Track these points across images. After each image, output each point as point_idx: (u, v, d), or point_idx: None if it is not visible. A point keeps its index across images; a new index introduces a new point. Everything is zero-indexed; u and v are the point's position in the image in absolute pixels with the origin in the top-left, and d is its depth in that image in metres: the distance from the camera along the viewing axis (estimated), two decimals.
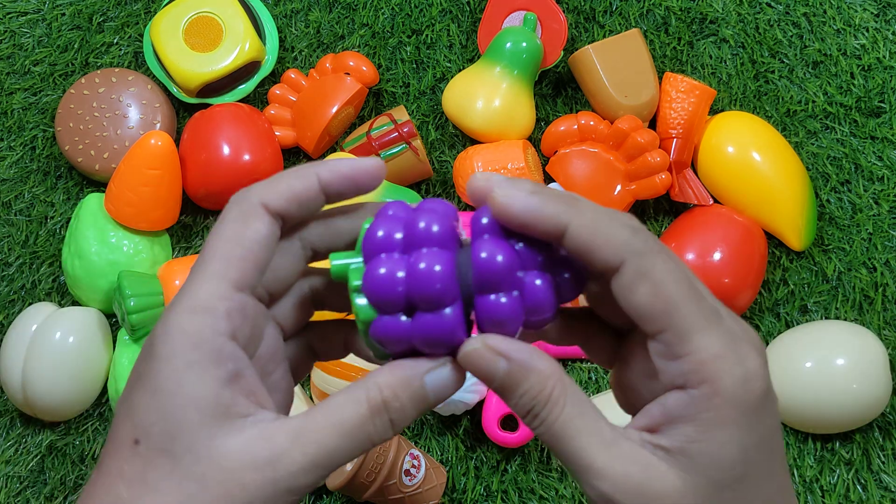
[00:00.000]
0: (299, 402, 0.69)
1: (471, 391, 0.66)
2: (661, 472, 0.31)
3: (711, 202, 0.70)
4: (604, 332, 0.36)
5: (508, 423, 0.69)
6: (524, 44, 0.70)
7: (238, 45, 0.73)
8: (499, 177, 0.31)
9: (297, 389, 0.70)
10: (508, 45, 0.70)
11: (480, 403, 0.68)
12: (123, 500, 0.29)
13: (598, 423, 0.31)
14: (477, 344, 0.31)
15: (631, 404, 0.35)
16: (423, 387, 0.31)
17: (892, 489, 0.68)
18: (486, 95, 0.70)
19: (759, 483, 0.32)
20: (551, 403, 0.31)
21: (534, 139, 0.74)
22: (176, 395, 0.29)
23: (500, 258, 0.30)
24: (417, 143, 0.71)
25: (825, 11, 0.75)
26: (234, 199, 0.33)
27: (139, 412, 0.30)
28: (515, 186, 0.31)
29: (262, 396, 0.31)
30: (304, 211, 0.33)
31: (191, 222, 0.75)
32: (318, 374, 0.67)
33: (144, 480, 0.29)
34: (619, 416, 0.68)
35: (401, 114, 0.72)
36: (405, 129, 0.71)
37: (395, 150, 0.71)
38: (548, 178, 0.73)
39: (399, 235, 0.31)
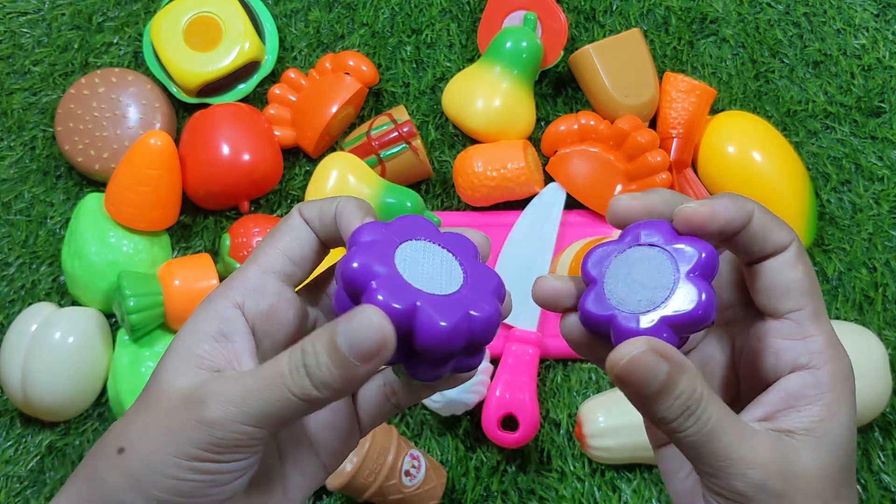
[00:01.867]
0: None
1: (470, 391, 0.66)
2: (796, 454, 0.33)
3: None
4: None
5: (508, 423, 0.69)
6: (524, 43, 0.70)
7: (238, 44, 0.73)
8: (667, 195, 0.34)
9: None
10: (508, 44, 0.70)
11: (480, 405, 0.68)
12: (112, 429, 0.34)
13: (736, 418, 0.33)
14: (642, 346, 0.31)
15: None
16: (335, 333, 0.30)
17: (892, 489, 0.68)
18: (486, 95, 0.70)
19: (854, 464, 0.34)
20: (705, 401, 0.32)
21: (534, 139, 0.74)
22: (172, 343, 0.34)
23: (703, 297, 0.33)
24: (417, 142, 0.71)
25: (825, 11, 0.75)
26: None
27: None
28: (700, 201, 0.34)
29: (245, 362, 0.34)
30: (325, 227, 0.36)
31: (190, 222, 0.75)
32: None
33: (127, 413, 0.34)
34: (619, 416, 0.68)
35: (401, 114, 0.72)
36: (405, 129, 0.71)
37: (394, 150, 0.71)
38: (548, 178, 0.73)
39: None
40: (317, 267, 0.37)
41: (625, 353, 0.31)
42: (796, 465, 0.33)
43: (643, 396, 0.32)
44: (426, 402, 0.67)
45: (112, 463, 0.33)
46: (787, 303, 0.34)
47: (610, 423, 0.66)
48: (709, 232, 0.33)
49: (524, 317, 0.69)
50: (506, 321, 0.69)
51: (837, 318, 0.70)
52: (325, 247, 0.37)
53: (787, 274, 0.34)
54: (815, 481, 0.33)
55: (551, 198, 0.70)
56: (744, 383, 0.36)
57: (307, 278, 0.37)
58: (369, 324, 0.30)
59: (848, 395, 0.34)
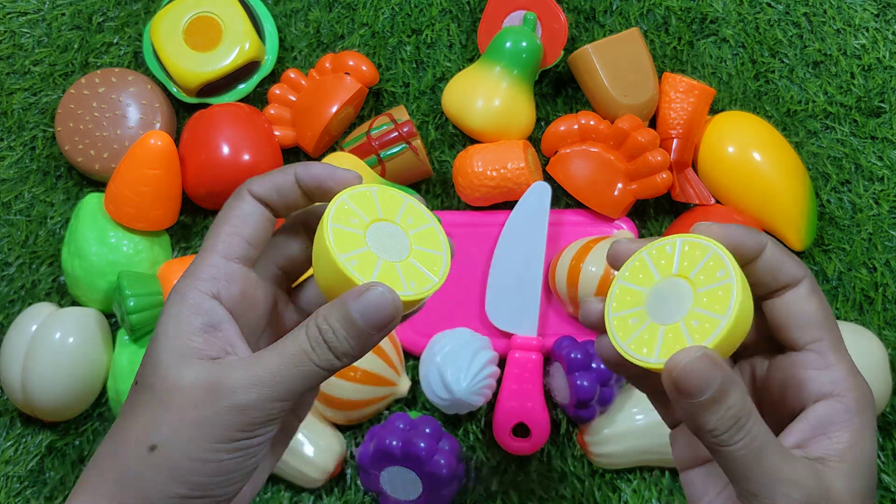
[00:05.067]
0: None
1: (478, 394, 0.66)
2: (831, 478, 0.34)
3: (713, 202, 0.70)
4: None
5: (518, 429, 0.68)
6: (524, 43, 0.70)
7: (238, 44, 0.73)
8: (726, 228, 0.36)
9: None
10: (508, 44, 0.70)
11: (483, 407, 0.68)
12: (119, 428, 0.36)
13: (778, 441, 0.34)
14: (698, 352, 0.33)
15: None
16: (349, 310, 0.35)
17: (893, 489, 0.68)
18: (486, 95, 0.70)
19: (876, 484, 0.36)
20: (754, 417, 0.33)
21: (534, 139, 0.74)
22: (159, 341, 0.35)
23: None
24: (417, 142, 0.71)
25: (825, 11, 0.75)
26: (233, 192, 0.39)
27: (142, 360, 0.36)
28: (716, 223, 0.36)
29: (239, 347, 0.36)
30: (285, 200, 0.39)
31: (190, 222, 0.75)
32: None
33: (133, 411, 0.35)
34: (621, 421, 0.68)
35: (401, 114, 0.72)
36: (405, 129, 0.71)
37: (394, 150, 0.71)
38: (548, 178, 0.73)
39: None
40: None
41: (681, 358, 0.33)
42: (832, 491, 0.34)
43: (696, 404, 0.33)
44: (431, 399, 0.67)
45: (146, 461, 0.34)
46: (808, 334, 0.36)
47: (613, 428, 0.66)
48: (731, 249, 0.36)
49: (524, 323, 0.69)
50: (506, 329, 0.69)
51: (837, 318, 0.70)
52: (275, 220, 0.39)
53: (804, 306, 0.36)
54: None
55: (537, 197, 0.70)
56: (768, 416, 0.37)
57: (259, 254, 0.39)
58: (382, 298, 0.34)
59: (871, 420, 0.35)
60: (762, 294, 0.37)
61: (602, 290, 0.64)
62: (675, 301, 0.36)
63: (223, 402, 0.34)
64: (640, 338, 0.36)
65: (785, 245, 0.71)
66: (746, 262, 0.36)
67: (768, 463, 0.33)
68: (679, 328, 0.35)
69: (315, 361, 0.35)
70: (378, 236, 0.39)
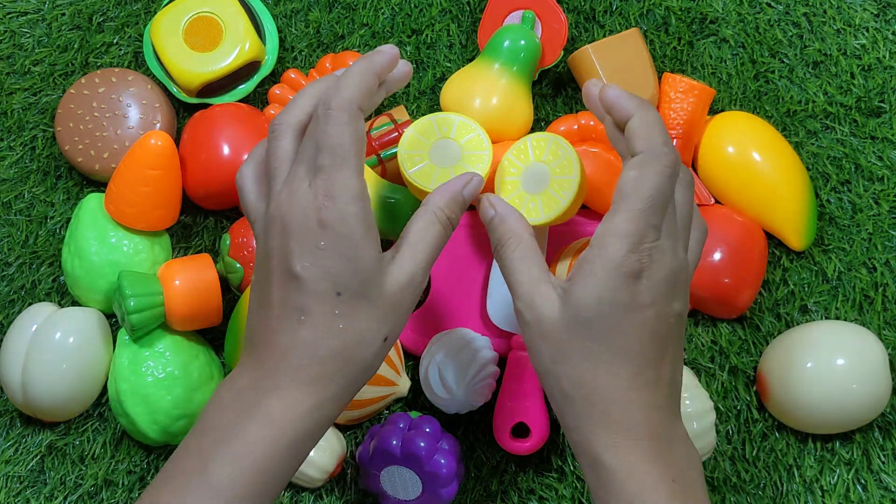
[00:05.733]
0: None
1: (478, 393, 0.66)
2: (551, 304, 0.47)
3: (712, 201, 0.70)
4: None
5: (517, 430, 0.68)
6: (522, 42, 0.70)
7: (238, 45, 0.73)
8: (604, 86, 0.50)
9: None
10: (506, 42, 0.70)
11: (483, 407, 0.68)
12: (341, 328, 0.46)
13: (531, 268, 0.49)
14: (483, 197, 0.55)
15: None
16: (463, 197, 0.52)
17: (892, 489, 0.68)
18: (484, 93, 0.70)
19: (610, 326, 0.45)
20: (510, 244, 0.50)
21: None
22: (360, 258, 0.46)
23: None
24: None
25: (825, 11, 0.75)
26: (337, 103, 0.46)
27: (335, 274, 0.46)
28: (610, 85, 0.49)
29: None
30: (372, 103, 0.50)
31: (191, 222, 0.75)
32: None
33: (354, 314, 0.46)
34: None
35: (401, 114, 0.72)
36: (405, 129, 0.71)
37: (395, 150, 0.71)
38: None
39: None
40: None
41: (485, 202, 0.55)
42: (545, 307, 0.47)
43: (485, 224, 0.55)
44: (431, 399, 0.67)
45: (382, 348, 0.48)
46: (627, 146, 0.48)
47: None
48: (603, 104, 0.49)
49: None
50: (506, 328, 0.69)
51: (837, 318, 0.70)
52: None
53: (623, 177, 0.46)
54: (551, 324, 0.46)
55: None
56: None
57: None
58: (481, 183, 0.54)
59: (600, 272, 0.45)
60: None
61: None
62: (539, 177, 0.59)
63: (417, 290, 0.49)
64: (527, 207, 0.58)
65: (785, 245, 0.71)
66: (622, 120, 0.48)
67: (511, 279, 0.51)
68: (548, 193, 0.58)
69: (445, 238, 0.51)
70: (438, 150, 0.59)
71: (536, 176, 0.59)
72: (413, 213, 0.51)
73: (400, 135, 0.71)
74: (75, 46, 0.77)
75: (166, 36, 0.73)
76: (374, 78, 0.48)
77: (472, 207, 0.73)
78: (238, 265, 0.69)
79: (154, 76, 0.75)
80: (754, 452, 0.69)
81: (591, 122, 0.70)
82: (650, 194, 0.44)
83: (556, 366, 0.46)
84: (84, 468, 0.71)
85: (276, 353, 0.46)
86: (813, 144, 0.73)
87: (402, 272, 0.47)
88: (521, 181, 0.59)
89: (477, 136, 0.60)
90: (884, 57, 0.74)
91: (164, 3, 0.76)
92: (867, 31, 0.74)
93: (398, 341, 0.70)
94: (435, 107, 0.75)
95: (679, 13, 0.75)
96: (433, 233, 0.49)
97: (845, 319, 0.70)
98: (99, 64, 0.77)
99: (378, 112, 0.75)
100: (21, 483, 0.71)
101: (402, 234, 0.49)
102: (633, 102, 0.47)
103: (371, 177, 0.69)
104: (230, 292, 0.72)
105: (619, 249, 0.44)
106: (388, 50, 0.50)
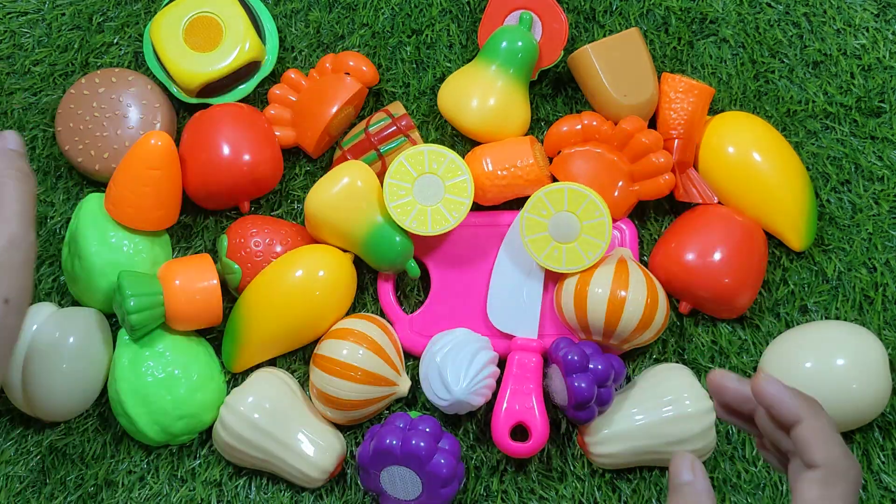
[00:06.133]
0: (298, 402, 0.69)
1: (477, 394, 0.66)
2: None
3: (716, 201, 0.70)
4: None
5: (517, 432, 0.68)
6: (520, 43, 0.70)
7: (238, 45, 0.73)
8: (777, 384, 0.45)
9: (297, 389, 0.70)
10: (504, 44, 0.70)
11: (483, 407, 0.68)
12: None
13: None
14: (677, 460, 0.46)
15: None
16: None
17: (892, 489, 0.68)
18: (482, 94, 0.70)
19: None
20: None
21: None
22: None
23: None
24: (416, 134, 0.71)
25: (825, 11, 0.75)
26: None
27: None
28: (769, 379, 0.45)
29: None
30: None
31: (191, 222, 0.75)
32: (318, 374, 0.67)
33: None
34: (621, 421, 0.68)
35: (397, 108, 0.72)
36: (403, 123, 0.71)
37: (394, 144, 0.71)
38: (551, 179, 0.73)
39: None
40: None
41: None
42: None
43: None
44: (431, 399, 0.67)
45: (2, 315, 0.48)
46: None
47: (612, 429, 0.66)
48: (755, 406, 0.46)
49: (524, 325, 0.69)
50: (507, 330, 0.69)
51: (837, 318, 0.70)
52: None
53: (805, 493, 0.42)
54: None
55: None
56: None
57: None
58: (13, 137, 0.54)
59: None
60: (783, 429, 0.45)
61: (611, 313, 0.64)
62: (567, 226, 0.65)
63: (22, 250, 0.50)
64: (550, 254, 0.66)
65: (785, 245, 0.71)
66: (787, 424, 0.44)
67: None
68: (574, 247, 0.66)
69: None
70: (422, 185, 0.62)
71: (565, 226, 0.65)
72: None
73: (398, 129, 0.71)
74: (75, 46, 0.77)
75: (166, 36, 0.73)
76: None
77: (477, 206, 0.73)
78: (236, 266, 0.69)
79: (154, 76, 0.75)
80: (754, 452, 0.69)
81: (594, 123, 0.70)
82: None
83: None
84: (84, 468, 0.71)
85: None
86: (813, 144, 0.73)
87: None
88: (549, 225, 0.66)
89: (463, 181, 0.66)
90: (884, 57, 0.74)
91: (164, 3, 0.76)
92: (867, 31, 0.74)
93: (398, 341, 0.70)
94: (435, 107, 0.75)
95: (679, 13, 0.75)
96: (10, 188, 0.50)
97: (845, 319, 0.70)
98: (99, 64, 0.77)
99: (375, 108, 0.75)
100: (21, 483, 0.71)
101: None
102: (799, 404, 0.44)
103: (371, 176, 0.69)
104: (229, 293, 0.72)
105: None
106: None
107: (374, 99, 0.76)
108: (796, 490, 0.43)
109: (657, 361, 0.71)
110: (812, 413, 0.44)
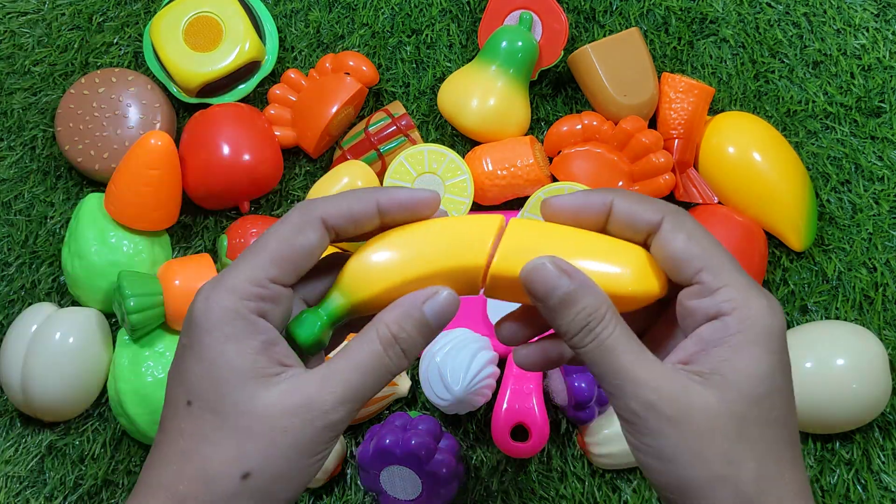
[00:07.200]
0: None
1: (478, 393, 0.66)
2: (698, 390, 0.35)
3: (716, 201, 0.70)
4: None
5: (517, 432, 0.68)
6: (519, 43, 0.70)
7: (238, 45, 0.73)
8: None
9: None
10: (504, 44, 0.70)
11: (483, 407, 0.68)
12: (184, 451, 0.35)
13: (642, 347, 0.36)
14: (544, 260, 0.36)
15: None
16: (423, 315, 0.37)
17: (892, 489, 0.68)
18: (481, 94, 0.70)
19: (779, 404, 0.36)
20: (605, 321, 0.36)
21: None
22: (218, 362, 0.35)
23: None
24: (415, 134, 0.71)
25: (825, 11, 0.75)
26: (299, 206, 0.38)
27: (189, 378, 0.35)
28: (559, 194, 0.39)
29: (294, 361, 0.36)
30: (359, 230, 0.38)
31: (191, 222, 0.75)
32: None
33: (201, 434, 0.35)
34: None
35: (397, 108, 0.72)
36: (403, 122, 0.71)
37: (394, 144, 0.71)
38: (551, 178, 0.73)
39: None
40: None
41: (534, 262, 0.36)
42: (695, 397, 0.35)
43: (547, 308, 0.36)
44: (431, 399, 0.67)
45: (241, 488, 0.35)
46: (687, 269, 0.36)
47: (613, 429, 0.66)
48: (566, 220, 0.38)
49: None
50: None
51: (837, 317, 0.70)
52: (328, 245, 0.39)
53: (668, 247, 0.37)
54: (715, 416, 0.34)
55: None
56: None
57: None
58: (452, 300, 0.37)
59: (760, 335, 0.35)
60: (640, 243, 0.38)
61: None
62: None
63: (317, 423, 0.35)
64: None
65: (785, 245, 0.71)
66: (601, 223, 0.38)
67: (618, 363, 0.35)
68: None
69: (390, 369, 0.36)
70: (422, 185, 0.57)
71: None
72: None
73: (398, 129, 0.71)
74: (75, 46, 0.77)
75: (166, 36, 0.73)
76: (373, 206, 0.38)
77: (477, 206, 0.73)
78: None
79: (154, 76, 0.75)
80: None
81: (594, 123, 0.70)
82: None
83: (732, 467, 0.34)
84: (84, 468, 0.71)
85: (142, 484, 0.37)
86: (813, 144, 0.73)
87: (296, 391, 0.35)
88: None
89: (463, 180, 0.65)
90: (884, 57, 0.74)
91: (164, 3, 0.76)
92: (867, 31, 0.74)
93: None
94: (436, 107, 0.75)
95: (679, 13, 0.75)
96: (365, 352, 0.36)
97: (845, 319, 0.70)
98: (99, 64, 0.77)
99: (375, 108, 0.75)
100: (21, 483, 0.71)
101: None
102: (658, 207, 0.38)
103: (371, 176, 0.69)
104: None
105: (765, 316, 0.36)
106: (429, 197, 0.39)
107: (374, 99, 0.76)
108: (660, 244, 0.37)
109: None
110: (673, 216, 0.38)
